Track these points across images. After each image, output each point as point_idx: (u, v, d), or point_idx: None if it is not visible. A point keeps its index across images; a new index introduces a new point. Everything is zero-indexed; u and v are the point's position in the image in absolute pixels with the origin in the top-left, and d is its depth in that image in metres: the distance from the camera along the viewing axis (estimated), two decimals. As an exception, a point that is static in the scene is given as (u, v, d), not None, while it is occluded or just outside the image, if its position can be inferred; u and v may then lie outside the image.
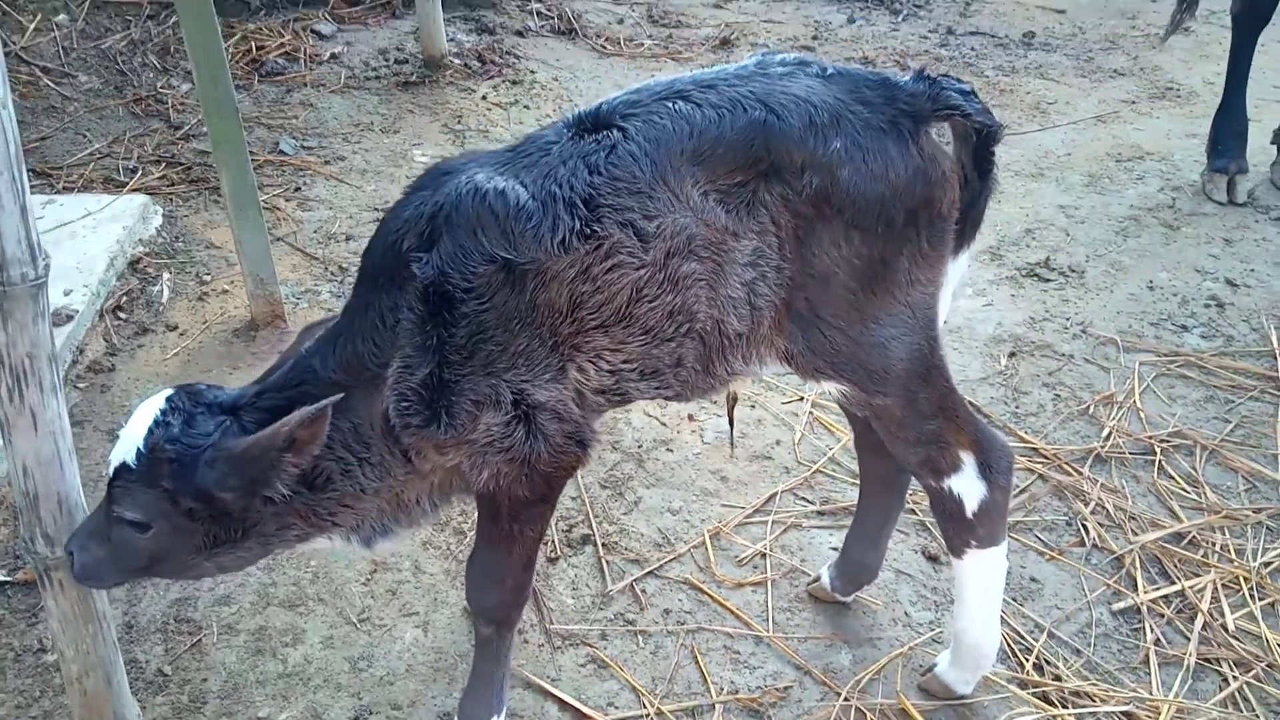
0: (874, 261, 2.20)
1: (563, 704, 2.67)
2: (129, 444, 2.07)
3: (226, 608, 2.91)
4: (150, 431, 2.07)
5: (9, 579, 2.96)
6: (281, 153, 5.09)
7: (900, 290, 2.26)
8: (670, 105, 2.11)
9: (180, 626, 2.86)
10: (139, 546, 2.12)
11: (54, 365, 2.11)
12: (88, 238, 4.15)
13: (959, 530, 2.49)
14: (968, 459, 2.43)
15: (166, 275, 4.23)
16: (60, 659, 2.38)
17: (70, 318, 3.70)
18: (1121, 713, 2.66)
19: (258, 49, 5.84)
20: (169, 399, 2.12)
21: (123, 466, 2.08)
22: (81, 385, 3.66)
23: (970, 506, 2.44)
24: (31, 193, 2.00)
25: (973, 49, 6.69)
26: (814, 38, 6.72)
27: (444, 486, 2.31)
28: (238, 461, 2.04)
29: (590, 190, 2.05)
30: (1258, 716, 2.68)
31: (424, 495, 2.31)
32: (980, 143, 2.28)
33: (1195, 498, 3.37)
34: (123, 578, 2.23)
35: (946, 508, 2.47)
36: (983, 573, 2.53)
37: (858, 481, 3.36)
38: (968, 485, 2.43)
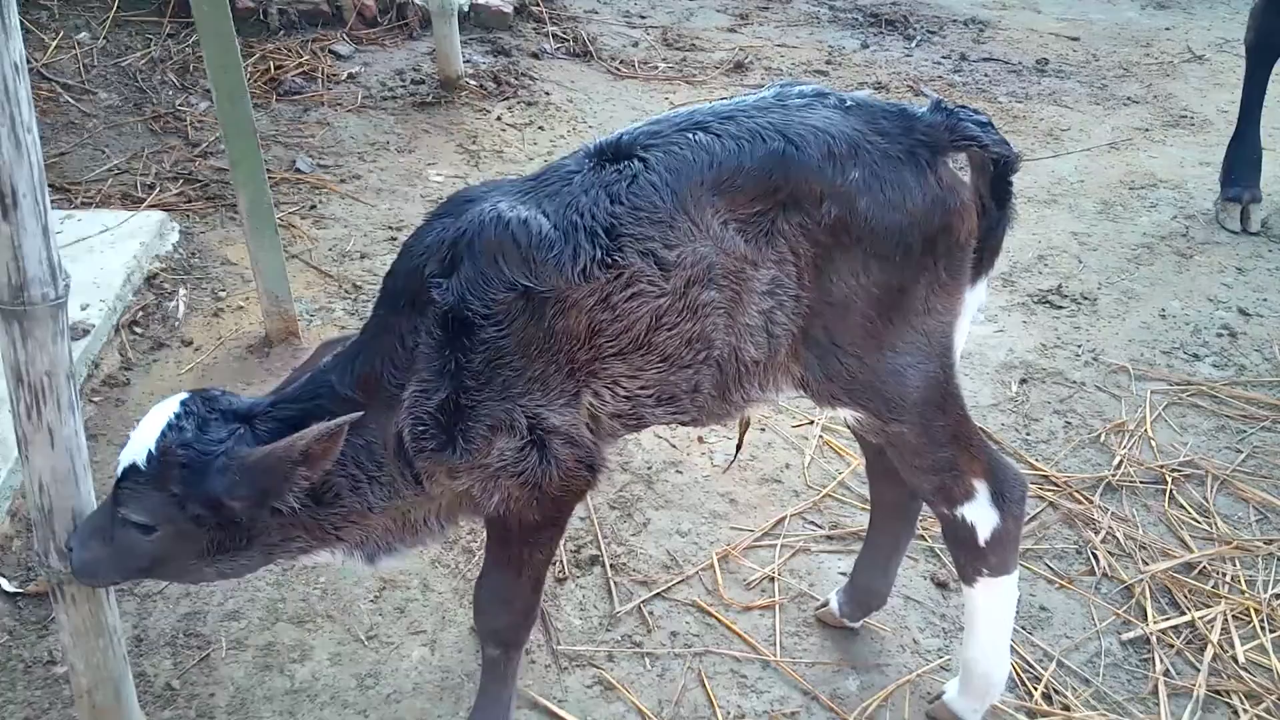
0: (892, 290, 2.22)
1: (569, 726, 2.68)
2: (140, 446, 2.08)
3: (235, 623, 2.93)
4: (163, 435, 2.07)
5: (20, 591, 2.98)
6: (298, 171, 5.13)
7: (917, 318, 2.27)
8: (690, 136, 2.13)
9: (189, 641, 2.87)
10: (142, 549, 2.13)
11: (71, 383, 2.13)
12: (105, 253, 4.20)
13: (971, 558, 2.49)
14: (981, 487, 2.43)
15: (182, 291, 4.26)
16: (70, 672, 2.39)
17: (87, 332, 3.74)
18: (1130, 744, 2.64)
19: (276, 68, 5.90)
20: (183, 403, 2.13)
21: (132, 468, 2.08)
22: (96, 399, 3.69)
23: (983, 535, 2.44)
24: (51, 208, 2.03)
25: (986, 75, 6.72)
26: (828, 62, 6.76)
27: (451, 508, 2.32)
28: (250, 471, 2.05)
29: (611, 220, 2.08)
30: (1268, 750, 2.66)
31: (431, 516, 2.32)
32: (998, 173, 2.30)
33: (1206, 528, 3.36)
34: (122, 577, 2.23)
35: (959, 535, 2.47)
36: (994, 601, 2.53)
37: (867, 507, 3.36)
38: (980, 513, 2.43)
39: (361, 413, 2.09)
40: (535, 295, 2.06)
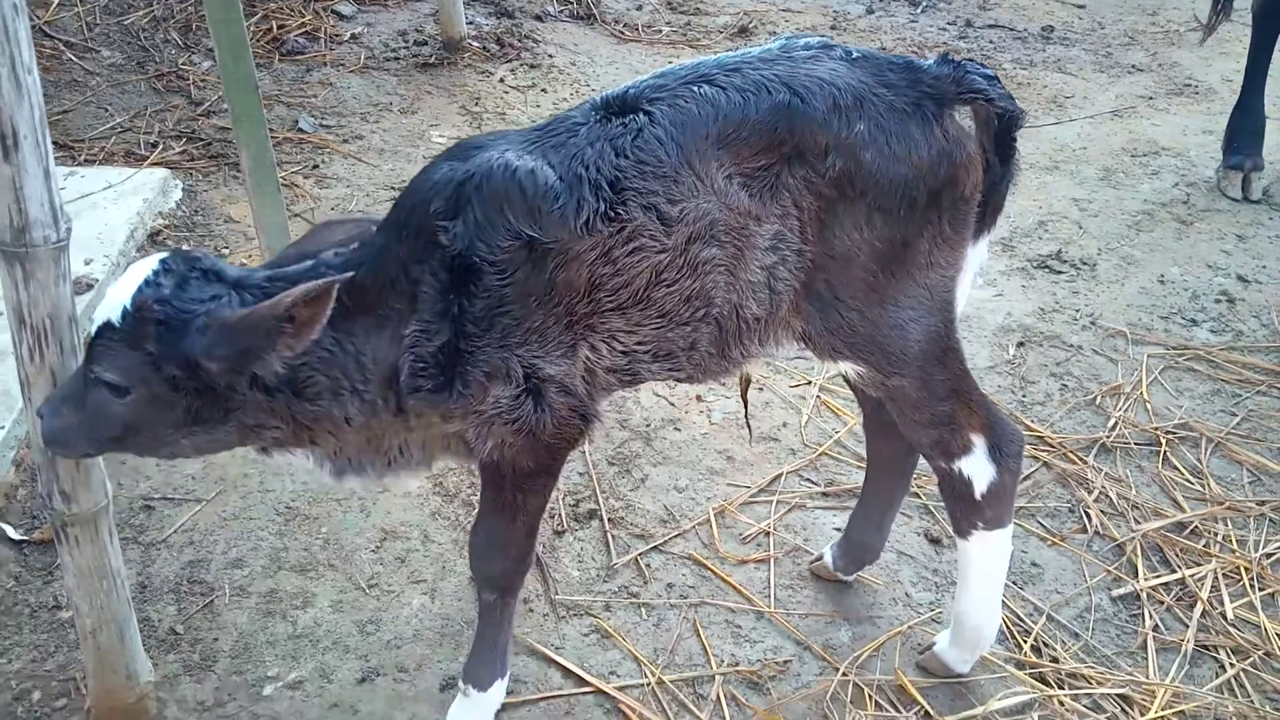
0: (895, 243, 2.22)
1: (566, 671, 2.72)
2: (115, 302, 2.01)
3: (239, 570, 2.97)
4: (139, 290, 2.00)
5: (26, 538, 3.02)
6: (300, 131, 5.14)
7: (920, 272, 2.28)
8: (695, 89, 2.13)
9: (193, 587, 2.91)
10: (115, 413, 2.06)
11: (74, 327, 2.16)
12: (109, 209, 4.22)
13: (966, 512, 2.52)
14: (979, 441, 2.45)
15: (185, 248, 4.28)
16: (75, 614, 2.43)
17: (90, 286, 3.76)
18: (1117, 695, 2.68)
19: (279, 28, 5.89)
20: (163, 261, 2.06)
21: (106, 325, 2.01)
22: (100, 353, 3.71)
23: (979, 488, 2.47)
24: (53, 152, 2.05)
25: (991, 42, 6.68)
26: (832, 27, 6.73)
27: (431, 445, 2.31)
28: (230, 330, 1.98)
29: (616, 173, 2.08)
30: (1253, 703, 2.70)
31: (408, 446, 2.29)
32: (1002, 128, 2.30)
33: (1199, 489, 3.39)
34: (94, 447, 2.14)
35: (955, 489, 2.50)
36: (988, 554, 2.56)
37: (863, 465, 3.39)
38: (977, 467, 2.46)
39: (352, 274, 2.04)
40: (539, 246, 2.07)
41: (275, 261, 2.25)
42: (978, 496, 2.48)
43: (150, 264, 2.05)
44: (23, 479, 3.19)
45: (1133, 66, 6.47)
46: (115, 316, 2.00)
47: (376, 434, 2.25)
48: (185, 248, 2.17)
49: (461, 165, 2.12)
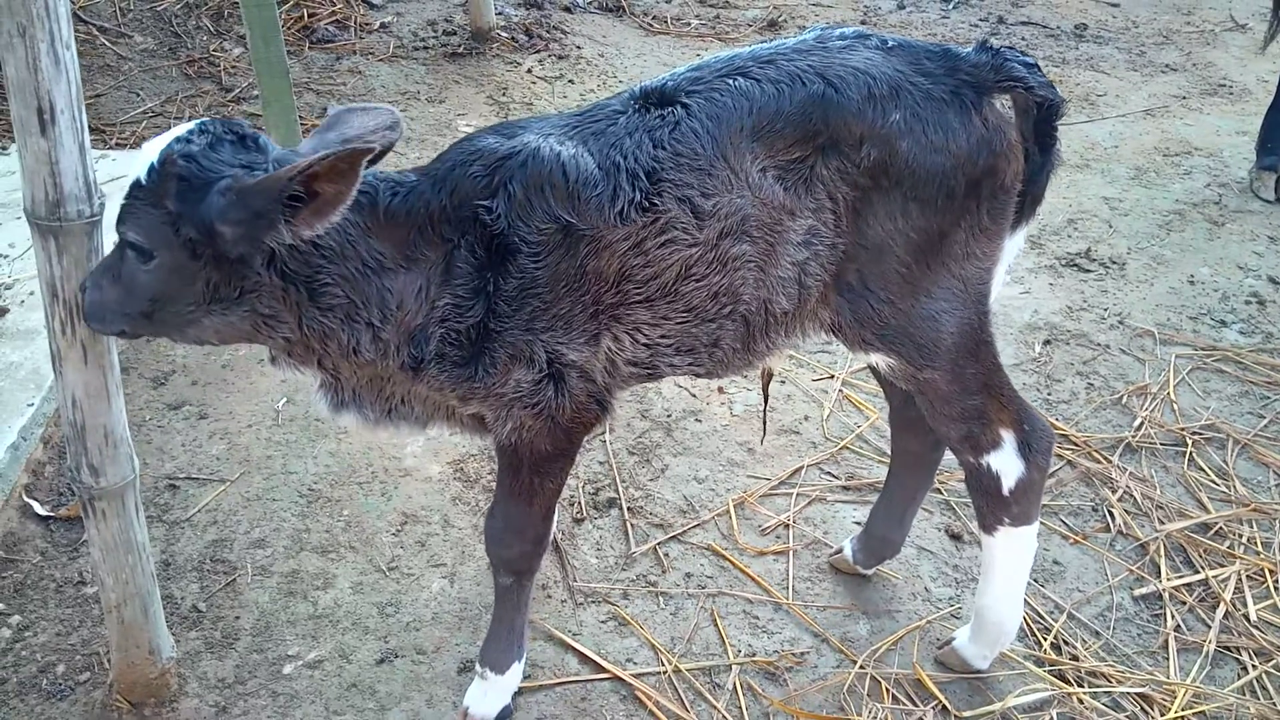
0: (931, 234, 2.20)
1: (583, 657, 2.73)
2: (146, 158, 1.96)
3: (261, 550, 3.00)
4: (169, 146, 1.96)
5: (53, 514, 3.06)
6: (329, 118, 5.16)
7: (955, 263, 2.26)
8: (731, 82, 2.14)
9: (216, 566, 2.94)
10: (142, 282, 2.02)
11: (105, 301, 2.18)
12: (139, 192, 4.26)
13: (993, 507, 2.50)
14: (1008, 437, 2.44)
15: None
16: (100, 588, 2.46)
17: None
18: (1137, 694, 2.66)
19: (309, 16, 5.93)
20: (201, 123, 2.01)
21: (135, 184, 1.97)
22: (128, 334, 3.75)
23: (1007, 484, 2.45)
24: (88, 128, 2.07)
25: (1023, 39, 6.63)
26: (862, 22, 6.70)
27: (429, 406, 2.29)
28: (247, 193, 1.91)
29: (653, 164, 2.09)
30: (1275, 705, 2.67)
31: (409, 399, 2.28)
32: (1042, 117, 2.27)
33: (1224, 490, 3.35)
34: (128, 324, 2.08)
35: (983, 484, 2.48)
36: (1012, 551, 2.54)
37: (884, 459, 3.38)
38: (1006, 463, 2.44)
39: (377, 148, 1.98)
40: (574, 231, 2.07)
41: (298, 151, 2.15)
42: (1005, 492, 2.47)
43: (187, 125, 2.00)
44: (50, 456, 3.23)
45: (1166, 66, 6.40)
46: (143, 174, 1.96)
47: (383, 378, 2.22)
48: (232, 118, 2.08)
49: (506, 141, 2.13)
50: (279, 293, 2.06)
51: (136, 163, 1.98)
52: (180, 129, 2.00)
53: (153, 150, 1.97)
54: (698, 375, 2.40)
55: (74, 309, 2.11)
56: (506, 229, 2.06)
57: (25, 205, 2.05)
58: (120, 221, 2.00)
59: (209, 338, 2.13)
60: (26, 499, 3.06)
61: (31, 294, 3.63)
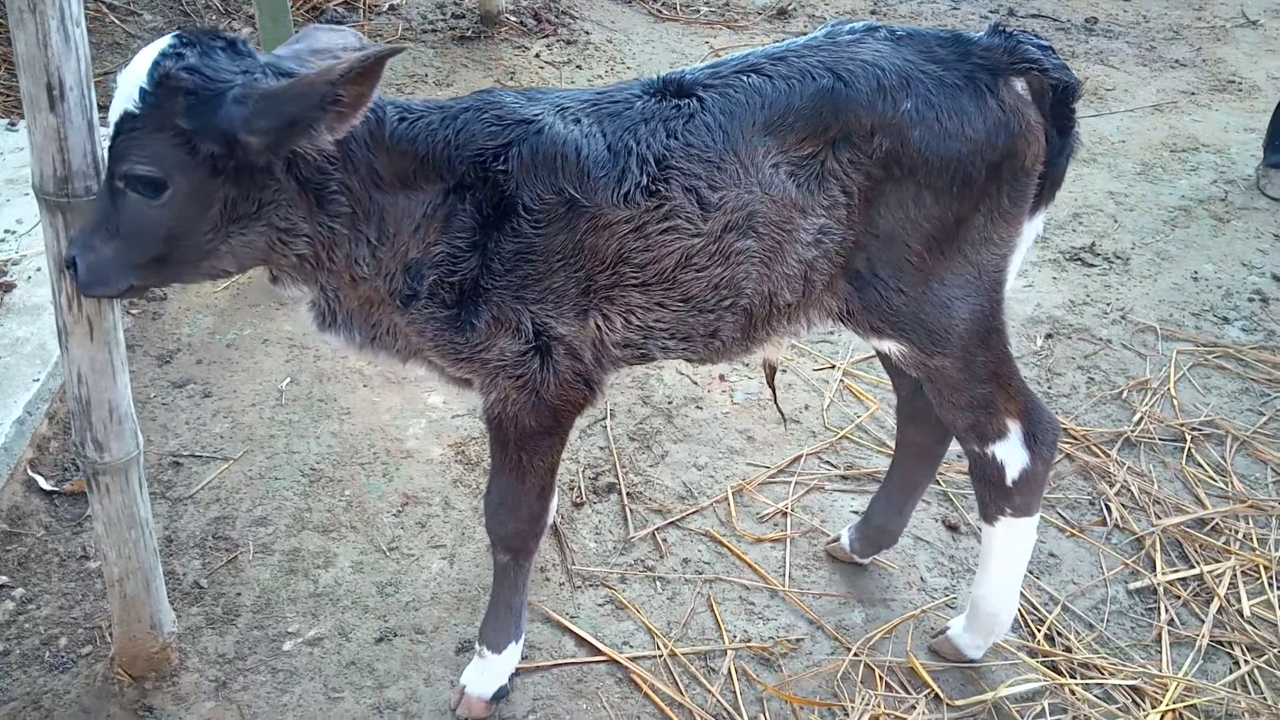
0: (945, 221, 2.21)
1: (579, 639, 2.75)
2: (129, 87, 1.84)
3: (263, 528, 3.02)
4: (157, 63, 1.84)
5: (57, 489, 3.09)
6: (337, 99, 5.17)
7: (971, 249, 2.27)
8: (744, 79, 2.16)
9: (217, 543, 2.97)
10: (154, 220, 1.91)
11: (111, 277, 2.20)
12: (146, 170, 4.27)
13: (995, 497, 2.51)
14: (1014, 427, 2.45)
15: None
16: (103, 562, 2.49)
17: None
18: (1129, 687, 2.68)
19: (319, -3, 5.93)
20: (178, 35, 1.89)
21: (125, 116, 1.85)
22: (134, 312, 3.78)
23: (1011, 474, 2.47)
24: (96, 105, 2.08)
25: (1032, 31, 6.60)
26: (871, 12, 6.68)
27: (413, 343, 2.27)
28: (276, 99, 1.85)
29: (664, 151, 2.11)
30: (1266, 700, 2.69)
31: (394, 330, 2.24)
32: (1059, 99, 2.26)
33: (1222, 486, 3.37)
34: (137, 276, 1.99)
35: (986, 473, 2.50)
36: (1012, 541, 2.56)
37: (884, 449, 3.41)
38: (1011, 453, 2.46)
39: (404, 49, 1.93)
40: (577, 206, 2.09)
41: (280, 58, 2.08)
42: (1009, 482, 2.48)
43: (163, 41, 1.88)
44: (55, 431, 3.25)
45: (1176, 61, 6.38)
46: (133, 103, 1.84)
47: (373, 304, 2.19)
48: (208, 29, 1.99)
49: (527, 104, 2.14)
50: (297, 200, 2.00)
51: (115, 100, 1.85)
52: (156, 45, 1.87)
53: (135, 76, 1.84)
54: (692, 361, 2.42)
55: (80, 284, 2.12)
56: (515, 189, 2.08)
57: (34, 181, 2.07)
58: (119, 160, 1.88)
59: (226, 265, 2.05)
60: (31, 474, 3.09)
61: (38, 270, 3.65)
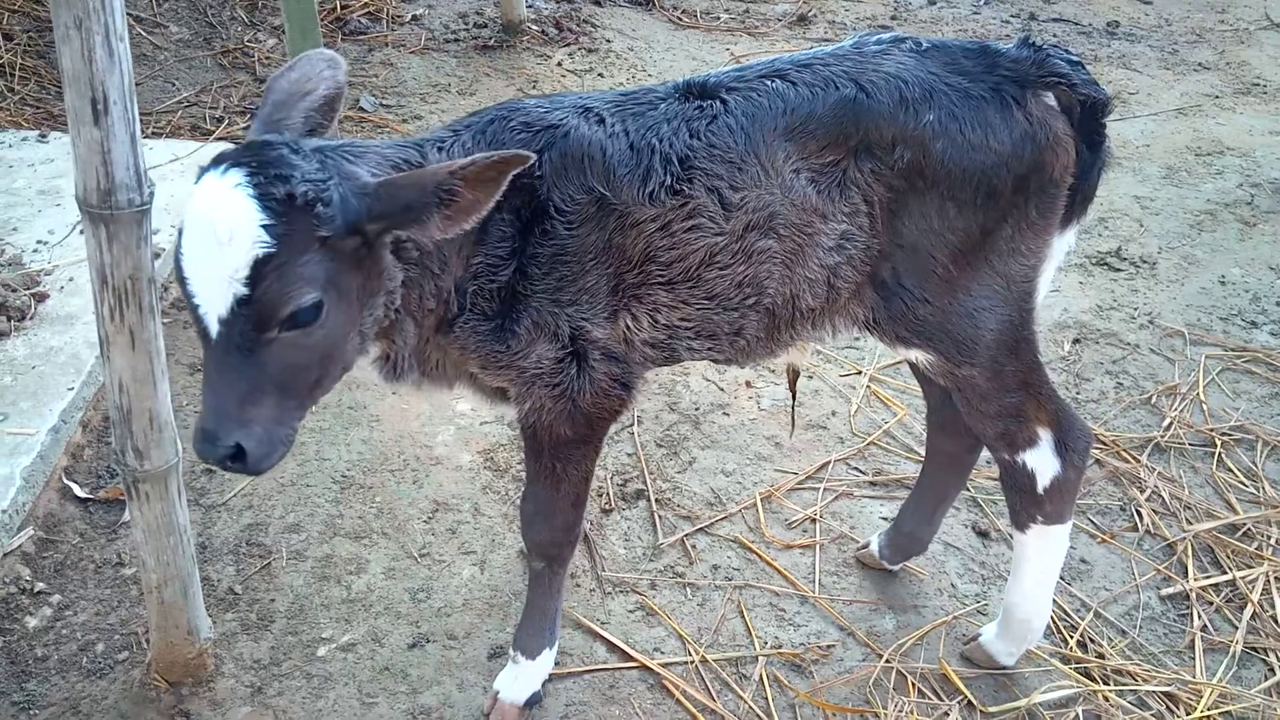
0: (971, 233, 2.21)
1: (611, 646, 2.76)
2: (246, 233, 1.75)
3: (295, 535, 3.04)
4: (266, 191, 1.77)
5: (92, 496, 3.12)
6: (361, 109, 5.21)
7: (999, 260, 2.26)
8: (768, 83, 2.18)
9: (251, 550, 2.99)
10: (313, 346, 1.87)
11: (153, 288, 2.23)
12: (175, 181, 4.31)
13: (1027, 505, 2.51)
14: (1045, 435, 2.44)
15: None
16: (141, 569, 2.51)
17: (157, 255, 3.83)
18: (1163, 693, 2.67)
19: (342, 8, 5.97)
20: (233, 163, 1.80)
21: (261, 261, 1.75)
22: (166, 320, 3.79)
23: (1042, 482, 2.46)
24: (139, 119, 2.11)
25: (1055, 36, 6.59)
26: (892, 18, 6.68)
27: (454, 369, 2.29)
28: (396, 188, 1.87)
29: (687, 151, 2.13)
30: (1302, 707, 2.68)
31: (442, 364, 2.27)
32: (1088, 114, 2.25)
33: (1253, 491, 3.35)
34: (297, 416, 1.95)
35: (1017, 482, 2.49)
36: (1044, 549, 2.56)
37: (911, 455, 3.40)
38: (1042, 461, 2.45)
39: (529, 158, 1.89)
40: (606, 205, 2.12)
41: (266, 114, 2.05)
42: (1040, 490, 2.47)
43: (230, 180, 1.78)
44: (89, 439, 3.29)
45: (1199, 64, 6.35)
46: (262, 246, 1.76)
47: (426, 341, 2.21)
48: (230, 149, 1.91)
49: (552, 108, 2.17)
50: (391, 262, 2.01)
51: (220, 272, 1.75)
52: (229, 182, 1.79)
53: (233, 225, 1.75)
54: (718, 361, 2.43)
55: (123, 296, 2.16)
56: (547, 193, 2.10)
57: (77, 193, 2.09)
58: (274, 308, 1.79)
59: (361, 352, 2.05)
60: (66, 481, 3.12)
61: (71, 280, 3.69)
